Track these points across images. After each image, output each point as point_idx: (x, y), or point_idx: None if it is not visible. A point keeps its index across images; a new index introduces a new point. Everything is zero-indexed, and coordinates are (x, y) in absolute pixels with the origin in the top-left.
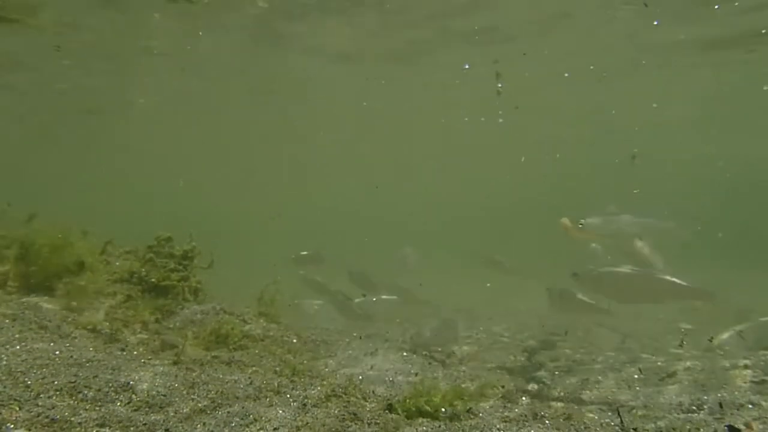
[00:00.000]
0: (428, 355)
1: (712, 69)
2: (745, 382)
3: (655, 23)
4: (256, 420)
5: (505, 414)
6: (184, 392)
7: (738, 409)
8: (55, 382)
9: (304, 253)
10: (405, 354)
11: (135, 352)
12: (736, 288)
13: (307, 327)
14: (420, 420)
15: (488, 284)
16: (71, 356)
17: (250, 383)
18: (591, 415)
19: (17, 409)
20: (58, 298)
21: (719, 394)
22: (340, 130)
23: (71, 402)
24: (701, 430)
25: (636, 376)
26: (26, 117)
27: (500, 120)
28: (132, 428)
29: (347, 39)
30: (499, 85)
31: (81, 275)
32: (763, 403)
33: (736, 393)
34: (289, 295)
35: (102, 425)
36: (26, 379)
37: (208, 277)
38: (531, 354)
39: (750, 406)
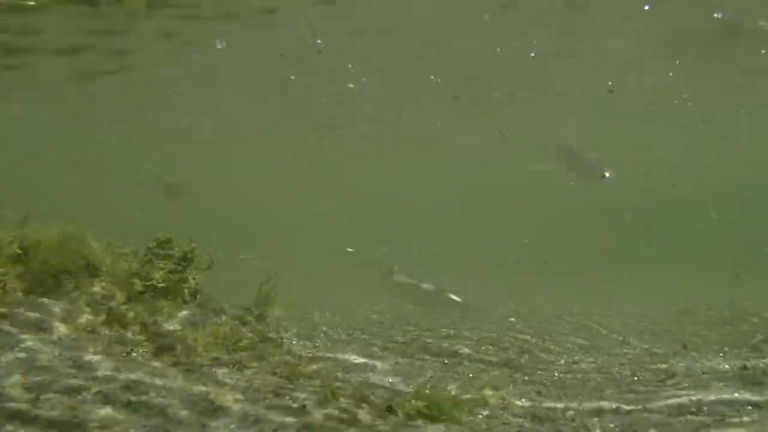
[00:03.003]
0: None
1: None
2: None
3: None
4: (255, 422)
5: (505, 416)
6: (184, 394)
7: (738, 410)
8: (54, 385)
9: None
10: (405, 355)
11: (134, 354)
12: None
13: (306, 328)
14: (420, 422)
15: None
16: (70, 358)
17: (249, 385)
18: (594, 418)
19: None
20: (58, 299)
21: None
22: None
23: (70, 404)
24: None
25: (636, 378)
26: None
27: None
28: (132, 430)
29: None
30: None
31: (81, 276)
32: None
33: (736, 394)
34: (287, 294)
35: (102, 428)
36: (25, 381)
37: (207, 278)
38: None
39: (749, 407)
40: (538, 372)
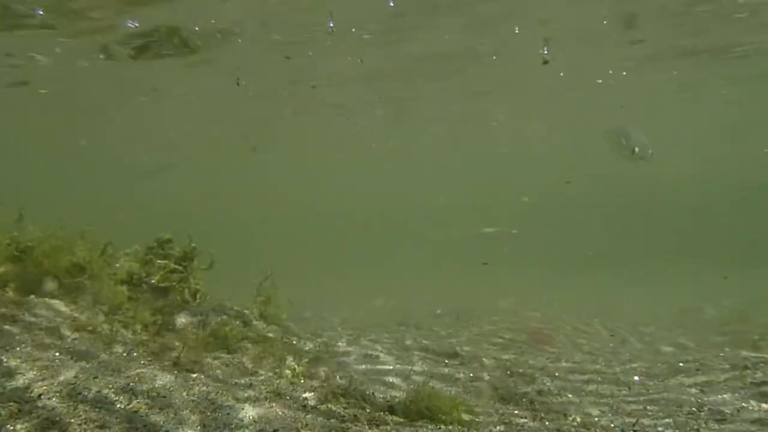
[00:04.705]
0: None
1: None
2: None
3: None
4: (255, 422)
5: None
6: (184, 394)
7: (738, 411)
8: (56, 384)
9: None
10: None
11: (135, 354)
12: None
13: (306, 327)
14: (420, 422)
15: None
16: (71, 358)
17: (250, 385)
18: (594, 418)
19: (17, 410)
20: (58, 300)
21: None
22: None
23: (71, 404)
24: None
25: (636, 378)
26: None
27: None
28: (132, 431)
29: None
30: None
31: (81, 276)
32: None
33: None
34: (286, 293)
35: (102, 427)
36: (26, 380)
37: (208, 278)
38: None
39: (750, 407)
40: None
